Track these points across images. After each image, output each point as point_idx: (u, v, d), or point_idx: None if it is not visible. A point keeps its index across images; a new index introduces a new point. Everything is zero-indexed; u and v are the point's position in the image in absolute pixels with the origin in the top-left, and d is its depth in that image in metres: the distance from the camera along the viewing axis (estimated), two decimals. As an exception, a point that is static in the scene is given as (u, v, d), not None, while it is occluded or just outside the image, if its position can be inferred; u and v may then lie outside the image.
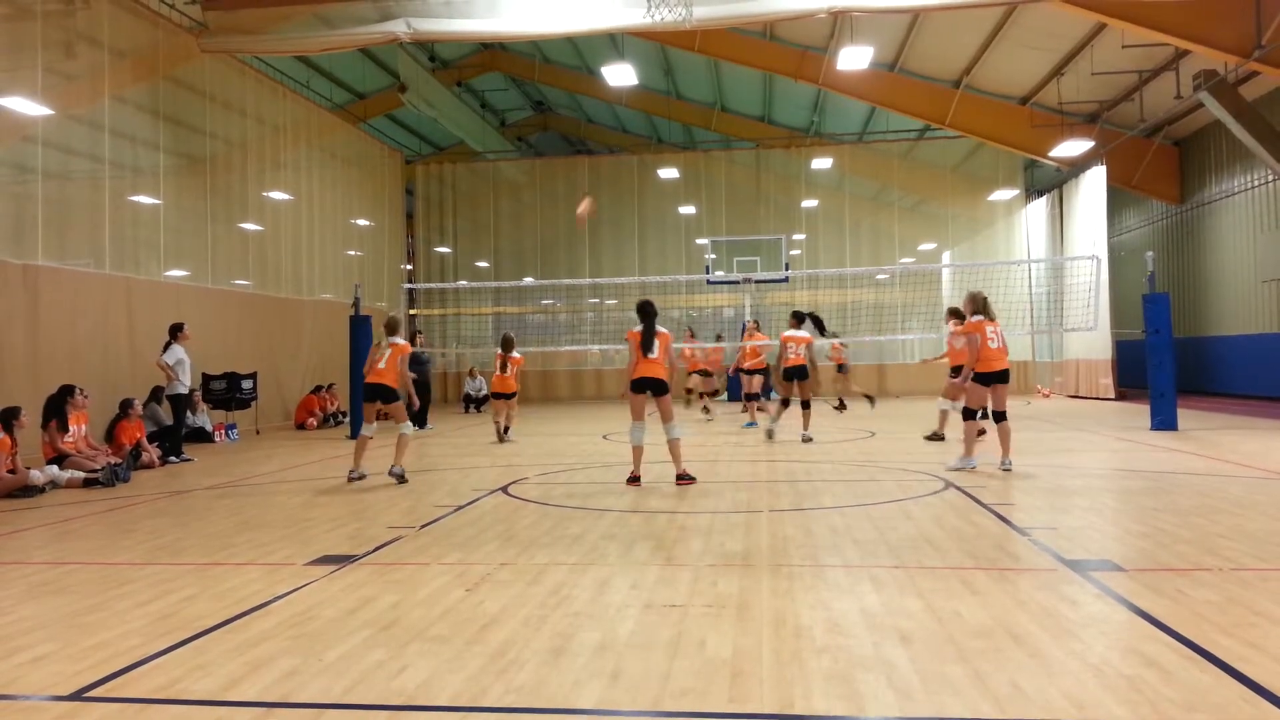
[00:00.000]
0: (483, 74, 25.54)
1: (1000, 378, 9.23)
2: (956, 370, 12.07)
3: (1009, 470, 8.97)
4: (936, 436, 12.45)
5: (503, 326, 22.00)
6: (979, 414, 9.43)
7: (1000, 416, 9.20)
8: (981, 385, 9.25)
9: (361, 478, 9.34)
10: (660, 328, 8.86)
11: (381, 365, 9.37)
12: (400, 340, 9.58)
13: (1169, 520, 6.40)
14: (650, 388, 8.73)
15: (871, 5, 13.27)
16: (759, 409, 15.25)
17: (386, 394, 9.35)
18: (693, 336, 19.05)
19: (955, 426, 11.22)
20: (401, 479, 9.20)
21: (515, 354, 14.00)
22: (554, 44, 22.73)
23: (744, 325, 17.10)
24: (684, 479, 8.60)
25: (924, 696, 3.27)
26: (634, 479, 8.66)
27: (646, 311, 8.85)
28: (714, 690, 3.37)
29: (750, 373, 15.35)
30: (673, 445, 8.69)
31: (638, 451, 8.80)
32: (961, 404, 12.09)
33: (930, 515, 6.85)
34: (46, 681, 3.62)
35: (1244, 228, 18.75)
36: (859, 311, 23.31)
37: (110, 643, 4.08)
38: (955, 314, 12.30)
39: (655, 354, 8.69)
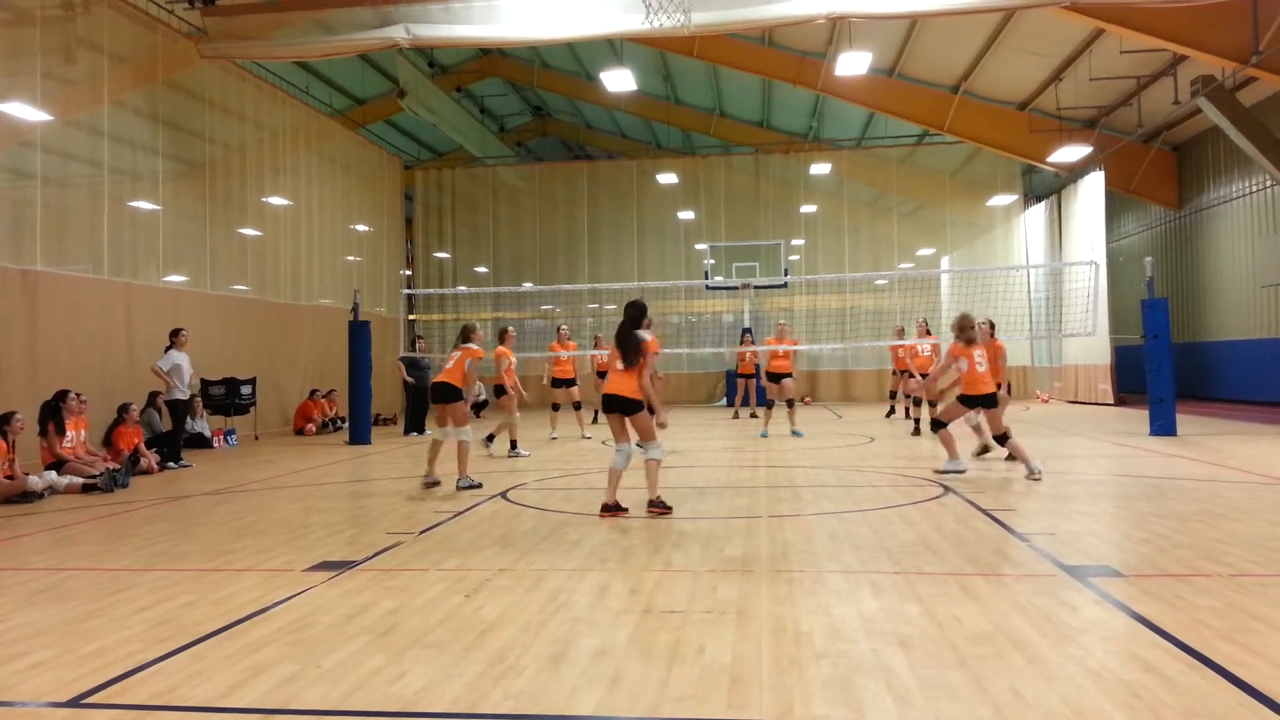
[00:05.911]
0: (482, 79, 25.57)
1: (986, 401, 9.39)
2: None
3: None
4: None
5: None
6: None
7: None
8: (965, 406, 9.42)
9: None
10: (644, 333, 7.24)
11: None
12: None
13: (1168, 525, 6.40)
14: (615, 408, 7.18)
15: (870, 11, 13.27)
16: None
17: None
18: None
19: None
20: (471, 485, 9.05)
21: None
22: (553, 49, 22.75)
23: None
24: (654, 506, 7.27)
25: (923, 702, 3.27)
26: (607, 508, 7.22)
27: (629, 313, 7.34)
28: (713, 696, 3.37)
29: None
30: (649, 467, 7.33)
31: (611, 476, 7.28)
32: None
33: (929, 520, 6.85)
34: (45, 688, 3.61)
35: (1242, 233, 18.77)
36: (858, 317, 23.29)
37: (109, 648, 4.07)
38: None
39: (624, 366, 7.16)
